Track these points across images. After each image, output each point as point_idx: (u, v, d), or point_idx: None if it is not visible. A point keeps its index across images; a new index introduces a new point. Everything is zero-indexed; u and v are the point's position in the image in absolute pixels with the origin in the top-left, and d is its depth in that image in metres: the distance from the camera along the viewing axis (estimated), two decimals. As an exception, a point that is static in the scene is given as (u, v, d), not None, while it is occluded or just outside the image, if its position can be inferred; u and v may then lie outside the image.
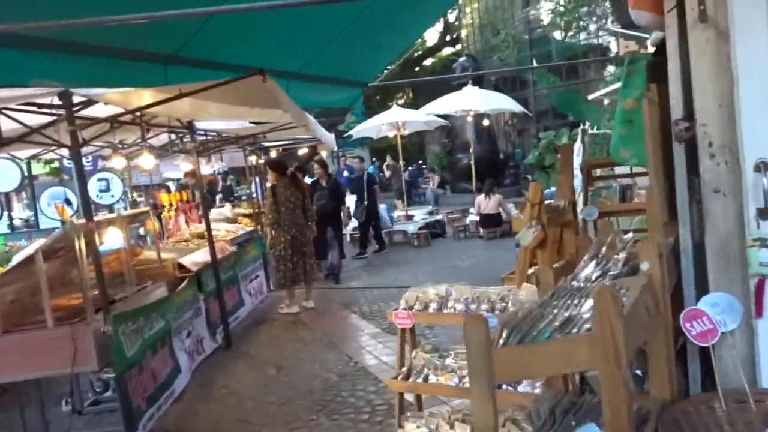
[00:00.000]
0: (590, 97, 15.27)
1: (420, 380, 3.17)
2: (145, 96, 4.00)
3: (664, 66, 2.45)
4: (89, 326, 3.79)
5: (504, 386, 2.92)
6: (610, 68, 24.55)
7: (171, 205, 7.98)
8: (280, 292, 8.08)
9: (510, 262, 9.48)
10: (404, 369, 3.30)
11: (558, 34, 25.12)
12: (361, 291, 8.41)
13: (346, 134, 16.20)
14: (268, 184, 7.90)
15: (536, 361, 1.35)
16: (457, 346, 4.50)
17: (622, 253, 2.04)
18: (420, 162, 34.54)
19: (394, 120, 14.45)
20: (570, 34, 25.60)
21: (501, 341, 1.41)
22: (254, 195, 17.35)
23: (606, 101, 23.14)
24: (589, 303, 1.47)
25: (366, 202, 11.26)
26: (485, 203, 11.67)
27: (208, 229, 6.16)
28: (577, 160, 6.71)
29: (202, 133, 6.42)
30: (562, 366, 1.43)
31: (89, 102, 4.08)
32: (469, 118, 12.86)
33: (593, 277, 1.94)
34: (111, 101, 3.98)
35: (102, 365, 3.89)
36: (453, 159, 21.06)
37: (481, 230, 11.92)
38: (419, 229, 12.29)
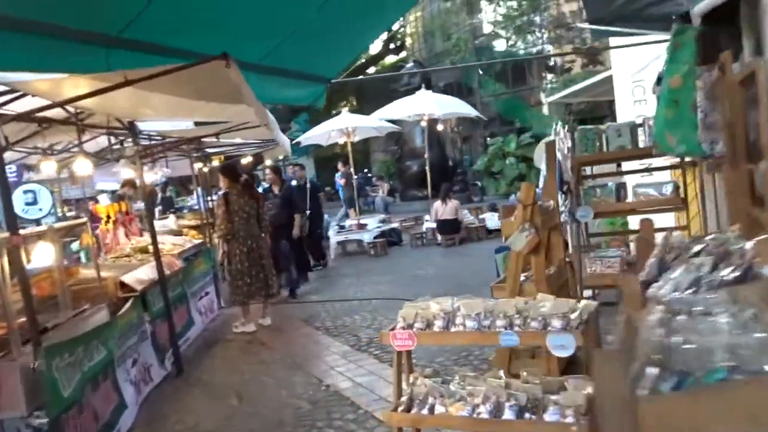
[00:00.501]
0: (541, 100, 15.20)
1: (425, 411, 2.69)
2: (81, 86, 3.37)
3: (716, 36, 2.12)
4: (15, 362, 3.14)
5: (527, 415, 2.49)
6: (550, 75, 25.10)
7: (109, 217, 7.21)
8: (232, 309, 7.45)
9: (474, 269, 9.22)
10: (403, 399, 2.81)
11: (501, 43, 25.40)
12: (322, 305, 7.85)
13: (294, 142, 15.58)
14: (220, 192, 7.28)
15: (716, 417, 0.91)
16: (459, 367, 4.05)
17: (709, 257, 1.65)
18: (365, 170, 34.21)
19: (344, 126, 13.99)
20: (511, 43, 26.01)
21: (645, 384, 0.96)
22: (197, 205, 16.43)
23: (545, 108, 23.66)
24: (751, 325, 1.05)
25: (308, 212, 10.24)
26: (442, 209, 11.34)
27: (155, 242, 5.49)
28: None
29: (146, 136, 5.75)
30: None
31: (13, 95, 3.43)
32: (423, 123, 12.53)
33: (686, 285, 1.54)
34: (39, 92, 3.34)
35: (32, 408, 3.23)
36: (402, 166, 20.77)
37: (439, 237, 11.58)
38: (375, 237, 11.83)
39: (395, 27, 33.00)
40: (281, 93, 4.96)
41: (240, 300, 6.89)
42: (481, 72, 23.62)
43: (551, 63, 25.52)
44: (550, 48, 25.10)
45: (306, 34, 4.60)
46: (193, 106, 4.27)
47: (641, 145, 4.09)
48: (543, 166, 9.22)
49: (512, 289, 4.19)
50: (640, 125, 4.20)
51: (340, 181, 17.47)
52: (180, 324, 6.28)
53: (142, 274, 5.54)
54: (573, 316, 2.57)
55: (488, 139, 25.03)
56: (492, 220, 12.42)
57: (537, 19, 24.50)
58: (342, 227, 14.46)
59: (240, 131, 6.12)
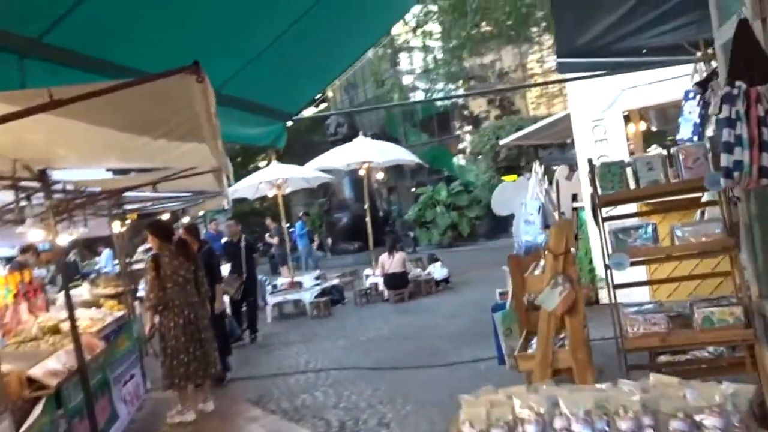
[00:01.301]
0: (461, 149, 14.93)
1: None
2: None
3: None
4: None
5: None
6: (468, 127, 25.52)
7: (7, 289, 5.88)
8: (164, 393, 6.21)
9: (433, 328, 8.39)
10: None
11: (420, 94, 25.59)
12: (272, 380, 6.76)
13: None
14: (149, 254, 6.17)
15: None
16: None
17: None
18: (288, 225, 33.02)
19: (275, 178, 13.07)
20: (429, 94, 26.31)
21: None
22: (106, 269, 14.73)
23: (462, 157, 23.98)
24: None
25: (245, 275, 9.01)
26: (389, 262, 10.58)
27: (72, 320, 4.33)
28: (532, 204, 5.88)
29: (60, 188, 4.63)
30: None
31: None
32: (362, 172, 11.85)
33: None
34: None
35: None
36: (332, 219, 19.92)
37: (386, 292, 10.76)
38: (316, 296, 10.83)
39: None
40: (240, 130, 4.10)
41: (176, 383, 5.71)
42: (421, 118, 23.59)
43: (466, 113, 25.97)
44: (463, 100, 25.57)
45: (271, 58, 3.82)
46: (130, 146, 3.31)
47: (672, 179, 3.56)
48: (516, 211, 8.75)
49: (544, 358, 3.45)
50: (670, 157, 3.66)
51: (300, 232, 16.74)
52: (102, 420, 5.04)
53: (56, 363, 4.34)
54: (729, 407, 1.83)
55: (414, 189, 24.83)
56: (438, 270, 11.79)
57: (454, 70, 24.97)
58: (274, 287, 13.35)
59: (179, 180, 5.12)
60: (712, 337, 3.31)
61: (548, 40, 20.17)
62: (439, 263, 12.22)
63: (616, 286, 3.58)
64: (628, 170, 3.66)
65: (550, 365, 3.39)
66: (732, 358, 3.61)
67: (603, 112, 7.15)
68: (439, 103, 26.28)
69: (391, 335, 8.18)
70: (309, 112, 33.91)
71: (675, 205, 4.48)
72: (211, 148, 3.01)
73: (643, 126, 9.09)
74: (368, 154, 11.07)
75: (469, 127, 25.72)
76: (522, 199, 8.72)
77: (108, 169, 5.94)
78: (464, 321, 8.24)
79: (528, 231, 5.71)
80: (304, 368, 7.06)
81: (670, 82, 7.23)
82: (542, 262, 3.51)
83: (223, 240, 10.49)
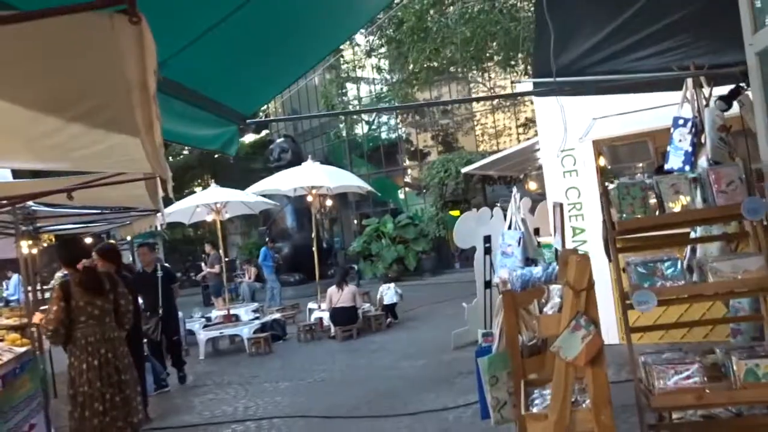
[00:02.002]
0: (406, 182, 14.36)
1: None
2: None
3: None
4: None
5: None
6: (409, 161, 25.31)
7: None
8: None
9: (387, 369, 7.58)
10: None
11: (363, 127, 25.23)
12: (204, 430, 5.80)
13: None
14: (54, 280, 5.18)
15: None
16: None
17: None
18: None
19: (213, 201, 12.12)
20: (374, 127, 26.01)
21: None
22: (14, 297, 13.37)
23: (402, 188, 23.71)
24: None
25: (161, 310, 7.71)
26: (338, 295, 9.78)
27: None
28: (511, 235, 5.30)
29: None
30: None
31: None
32: (310, 198, 11.07)
33: None
34: None
35: None
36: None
37: (333, 328, 9.93)
38: (255, 331, 9.86)
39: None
40: (183, 127, 3.30)
41: (88, 438, 4.69)
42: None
43: (412, 148, 25.78)
44: (411, 131, 25.38)
45: (223, 42, 3.09)
46: (34, 133, 2.48)
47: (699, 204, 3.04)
48: (478, 244, 8.17)
49: (560, 420, 2.78)
50: (695, 179, 3.15)
51: (265, 261, 15.80)
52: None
53: None
54: None
55: (355, 221, 24.18)
56: (389, 293, 11.01)
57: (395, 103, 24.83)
58: (208, 320, 12.25)
59: (101, 189, 4.23)
60: (757, 395, 2.75)
61: (499, 74, 20.32)
62: (393, 285, 11.50)
63: (634, 330, 3.00)
64: (653, 193, 3.12)
65: (566, 429, 2.73)
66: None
67: (579, 140, 6.74)
68: (384, 135, 25.97)
69: (343, 377, 7.35)
70: (249, 138, 33.01)
71: (667, 240, 3.95)
72: (144, 142, 2.24)
73: (602, 161, 8.86)
74: (318, 178, 10.33)
75: (414, 162, 25.48)
76: (485, 230, 8.22)
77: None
78: (422, 363, 7.53)
79: (505, 264, 5.12)
80: (242, 416, 6.12)
81: (644, 113, 6.96)
82: (556, 299, 2.88)
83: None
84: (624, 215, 3.06)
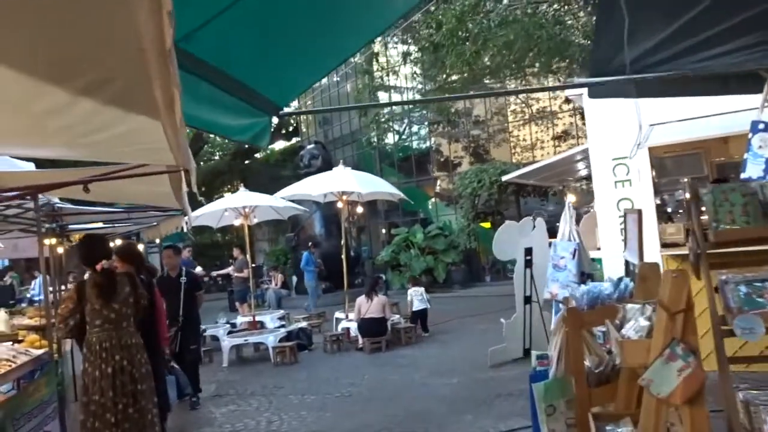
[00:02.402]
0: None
1: None
2: None
3: None
4: None
5: None
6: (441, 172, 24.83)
7: None
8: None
9: (419, 386, 7.02)
10: None
11: (394, 136, 24.90)
12: (225, 447, 5.44)
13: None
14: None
15: None
16: None
17: None
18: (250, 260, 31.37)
19: (242, 205, 11.87)
20: (404, 136, 25.68)
21: None
22: (39, 297, 13.35)
23: (432, 198, 23.27)
24: None
25: (181, 318, 6.98)
26: (366, 306, 9.38)
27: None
28: (565, 246, 4.84)
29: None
30: None
31: None
32: (340, 204, 10.73)
33: None
34: None
35: None
36: (299, 256, 18.59)
37: (361, 340, 9.52)
38: (281, 340, 9.50)
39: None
40: (210, 113, 2.97)
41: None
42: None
43: (442, 159, 25.38)
44: (442, 141, 24.99)
45: (254, 18, 2.74)
46: (37, 109, 2.13)
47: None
48: (519, 257, 7.70)
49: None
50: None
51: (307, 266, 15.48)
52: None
53: None
54: None
55: (384, 230, 23.79)
56: (417, 298, 10.59)
57: (428, 114, 24.50)
58: (233, 326, 11.95)
59: (121, 184, 3.91)
60: None
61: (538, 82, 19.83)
62: (422, 290, 11.07)
63: (733, 360, 2.53)
64: (758, 199, 2.65)
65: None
66: None
67: (637, 148, 6.23)
68: (415, 145, 25.60)
69: (371, 393, 6.93)
70: (279, 145, 32.94)
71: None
72: (165, 125, 1.90)
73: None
74: (349, 184, 9.97)
75: (445, 172, 25.05)
76: (526, 242, 7.75)
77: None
78: (457, 381, 7.06)
79: (557, 278, 4.66)
80: (266, 431, 5.74)
81: (699, 122, 6.45)
82: (642, 322, 2.43)
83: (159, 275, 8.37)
84: (720, 225, 2.60)
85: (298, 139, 27.84)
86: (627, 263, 3.52)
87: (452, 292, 17.30)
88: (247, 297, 13.24)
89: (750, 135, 4.30)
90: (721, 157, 9.79)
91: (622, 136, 6.72)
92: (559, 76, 11.69)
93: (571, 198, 5.12)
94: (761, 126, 4.27)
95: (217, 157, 31.70)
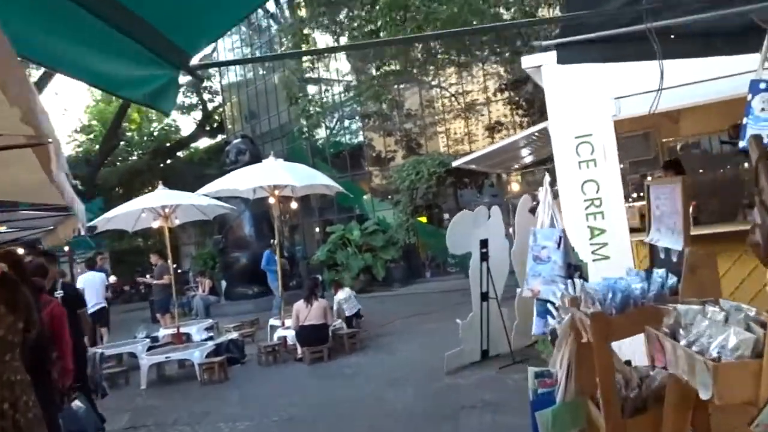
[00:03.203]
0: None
1: None
2: None
3: None
4: None
5: None
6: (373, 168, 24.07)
7: None
8: None
9: (372, 400, 5.94)
10: None
11: (325, 131, 23.94)
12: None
13: (87, 225, 11.67)
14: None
15: None
16: None
17: None
18: (174, 265, 29.51)
19: (161, 205, 10.63)
20: (335, 131, 24.77)
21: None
22: None
23: (367, 193, 22.51)
24: None
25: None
26: (306, 311, 8.42)
27: None
28: (547, 234, 4.10)
29: None
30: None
31: None
32: (272, 200, 9.68)
33: None
34: None
35: None
36: (228, 259, 17.32)
37: (300, 349, 8.55)
38: (208, 355, 8.39)
39: (210, 107, 30.19)
40: (98, 60, 2.03)
41: None
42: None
43: (374, 154, 24.68)
44: (374, 136, 24.31)
45: None
46: None
47: None
48: (474, 249, 6.96)
49: None
50: None
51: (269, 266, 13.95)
52: None
53: None
54: None
55: (318, 228, 22.77)
56: (349, 303, 9.89)
57: (358, 108, 23.74)
58: (154, 340, 10.69)
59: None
60: None
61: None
62: (349, 293, 10.27)
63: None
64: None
65: None
66: None
67: (612, 117, 5.56)
68: (348, 139, 24.75)
69: (317, 414, 6.00)
70: (204, 142, 31.21)
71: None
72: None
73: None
74: (281, 177, 8.94)
75: (379, 167, 24.32)
76: (481, 233, 7.04)
77: None
78: (412, 392, 6.26)
79: (540, 272, 3.92)
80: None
81: (677, 90, 5.93)
82: (733, 340, 1.67)
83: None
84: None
85: (224, 136, 26.34)
86: (654, 250, 2.81)
87: (392, 291, 16.55)
88: (170, 306, 11.96)
89: (749, 96, 3.67)
90: (670, 137, 9.49)
91: (585, 112, 6.10)
92: (503, 57, 11.15)
93: (547, 178, 4.40)
94: (762, 85, 3.65)
95: (135, 157, 29.65)
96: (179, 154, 29.78)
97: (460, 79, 21.71)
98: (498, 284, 7.05)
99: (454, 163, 8.80)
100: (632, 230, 6.08)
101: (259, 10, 25.91)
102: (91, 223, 11.19)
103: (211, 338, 10.10)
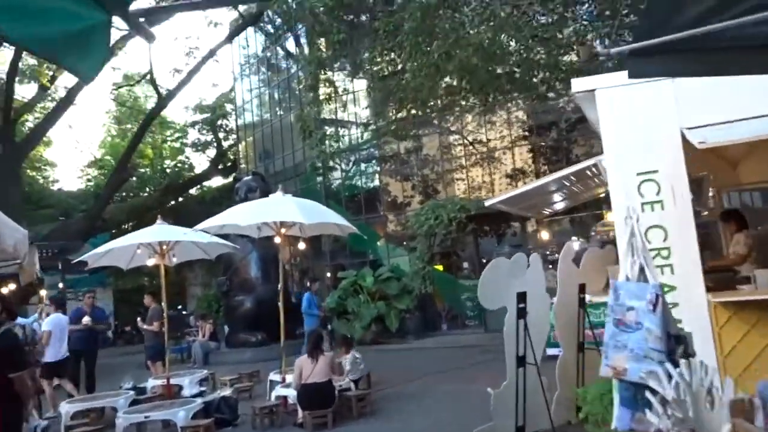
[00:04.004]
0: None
1: None
2: None
3: None
4: None
5: None
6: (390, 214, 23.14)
7: None
8: None
9: None
10: None
11: (338, 173, 23.20)
12: None
13: (75, 261, 10.77)
14: None
15: None
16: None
17: None
18: (179, 307, 28.43)
19: (156, 240, 9.71)
20: (350, 173, 24.03)
21: None
22: None
23: (382, 238, 21.49)
24: None
25: None
26: (310, 367, 7.29)
27: None
28: (638, 290, 3.05)
29: None
30: None
31: None
32: (278, 239, 8.70)
33: None
34: None
35: None
36: (231, 302, 16.24)
37: (300, 413, 7.39)
38: (195, 415, 7.27)
39: (226, 144, 29.74)
40: None
41: None
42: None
43: (390, 199, 23.80)
44: (389, 180, 23.47)
45: None
46: None
47: None
48: (510, 304, 5.88)
49: None
50: None
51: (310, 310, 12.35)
52: None
53: None
54: None
55: (329, 273, 21.69)
56: (355, 366, 8.75)
57: (375, 152, 23.05)
58: (141, 392, 9.60)
59: None
60: None
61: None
62: (356, 356, 9.08)
63: None
64: None
65: None
66: None
67: (700, 143, 4.56)
68: (364, 182, 23.86)
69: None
70: (217, 182, 30.60)
71: None
72: None
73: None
74: (289, 212, 7.98)
75: (394, 212, 23.39)
76: (519, 285, 5.96)
77: None
78: (434, 479, 5.08)
79: (625, 344, 2.83)
80: None
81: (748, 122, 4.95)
82: None
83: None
84: None
85: (235, 174, 25.70)
86: None
87: (407, 344, 15.32)
88: (162, 354, 10.88)
89: None
90: (727, 186, 8.45)
91: (649, 144, 5.13)
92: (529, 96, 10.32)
93: (633, 210, 3.38)
94: None
95: (145, 193, 29.01)
96: (191, 191, 29.14)
97: (481, 126, 20.91)
98: (537, 346, 5.93)
99: (487, 203, 7.80)
100: (709, 288, 5.02)
101: (279, 51, 25.76)
102: (80, 258, 10.27)
103: (202, 393, 8.99)
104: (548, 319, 6.16)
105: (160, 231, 9.84)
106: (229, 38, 24.41)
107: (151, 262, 10.21)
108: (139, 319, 12.09)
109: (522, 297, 5.81)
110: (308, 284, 13.38)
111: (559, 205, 10.44)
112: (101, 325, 11.37)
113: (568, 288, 6.28)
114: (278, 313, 10.44)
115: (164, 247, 9.96)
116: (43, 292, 15.83)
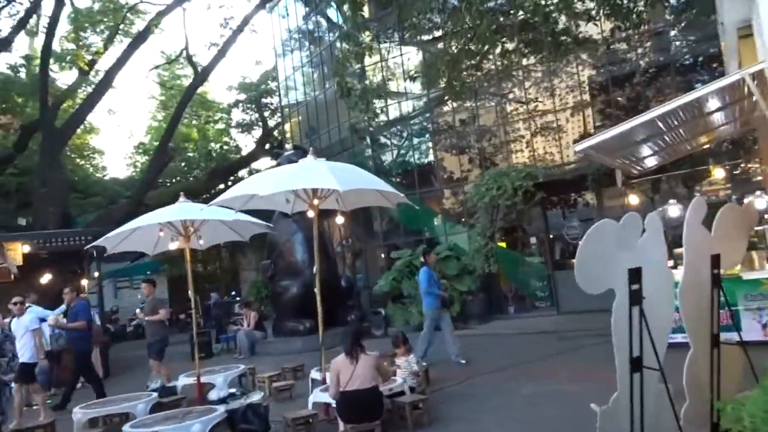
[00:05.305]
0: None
1: None
2: None
3: None
4: None
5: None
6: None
7: None
8: None
9: None
10: None
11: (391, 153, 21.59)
12: None
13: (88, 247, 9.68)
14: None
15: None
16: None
17: None
18: (233, 293, 27.70)
19: (180, 219, 8.49)
20: (403, 151, 22.36)
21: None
22: None
23: (438, 215, 19.76)
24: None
25: None
26: (349, 370, 5.79)
27: None
28: None
29: None
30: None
31: None
32: (311, 213, 7.23)
33: None
34: None
35: None
36: (277, 288, 14.98)
37: (342, 425, 5.92)
38: (217, 426, 5.93)
39: (271, 123, 28.67)
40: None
41: None
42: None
43: (445, 175, 21.93)
44: (443, 155, 21.57)
45: None
46: None
47: None
48: (618, 286, 4.20)
49: None
50: None
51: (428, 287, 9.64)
52: None
53: None
54: None
55: (382, 254, 20.21)
56: (404, 371, 7.23)
57: (429, 125, 21.22)
58: (170, 392, 8.46)
59: None
60: None
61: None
62: (412, 359, 7.56)
63: None
64: None
65: None
66: None
67: None
68: (417, 158, 22.06)
69: None
70: (264, 163, 29.56)
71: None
72: None
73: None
74: (320, 178, 6.46)
75: (450, 186, 21.57)
76: (632, 259, 4.24)
77: None
78: None
79: None
80: None
81: None
82: None
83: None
84: None
85: (277, 149, 24.55)
86: None
87: (469, 330, 13.67)
88: (194, 349, 9.68)
89: None
90: None
91: None
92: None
93: None
94: None
95: (192, 177, 28.28)
96: (240, 173, 28.24)
97: (545, 90, 18.66)
98: (660, 343, 4.21)
99: (577, 147, 6.09)
100: None
101: (323, 22, 24.25)
102: (94, 243, 9.16)
103: (232, 396, 7.71)
104: (672, 306, 4.42)
105: (183, 209, 8.60)
106: (262, 4, 23.10)
107: (173, 246, 9.00)
108: (138, 310, 10.84)
109: (636, 275, 4.08)
110: (423, 258, 10.28)
111: (653, 160, 8.54)
112: (80, 322, 9.24)
113: (698, 260, 4.51)
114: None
115: (189, 228, 8.73)
116: (84, 282, 15.02)
